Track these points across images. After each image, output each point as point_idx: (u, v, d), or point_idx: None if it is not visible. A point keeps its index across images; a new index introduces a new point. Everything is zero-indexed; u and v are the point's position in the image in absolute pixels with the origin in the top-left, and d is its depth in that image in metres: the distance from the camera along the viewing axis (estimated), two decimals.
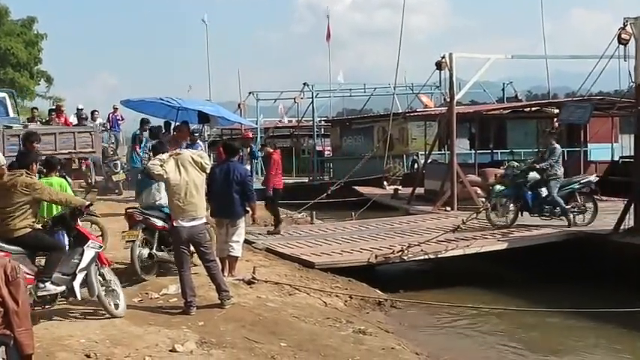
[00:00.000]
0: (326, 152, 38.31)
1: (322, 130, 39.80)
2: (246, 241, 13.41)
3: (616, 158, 24.73)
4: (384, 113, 32.77)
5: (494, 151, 27.36)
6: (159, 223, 11.54)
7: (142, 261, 11.34)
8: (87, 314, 9.26)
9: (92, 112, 27.20)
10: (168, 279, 11.29)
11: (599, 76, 16.81)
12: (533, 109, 27.02)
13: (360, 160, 24.90)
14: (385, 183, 27.24)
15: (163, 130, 24.88)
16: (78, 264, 9.07)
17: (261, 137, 35.91)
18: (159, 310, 9.80)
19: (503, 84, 39.01)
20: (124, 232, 11.52)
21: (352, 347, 9.12)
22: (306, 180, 33.35)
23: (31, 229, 8.95)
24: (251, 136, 27.60)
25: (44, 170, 11.29)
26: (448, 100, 22.37)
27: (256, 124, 35.12)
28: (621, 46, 15.46)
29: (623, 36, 15.33)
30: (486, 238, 15.64)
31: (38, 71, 56.67)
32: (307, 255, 14.43)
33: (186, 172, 9.87)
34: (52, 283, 8.84)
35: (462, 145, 27.76)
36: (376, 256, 14.10)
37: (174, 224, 9.95)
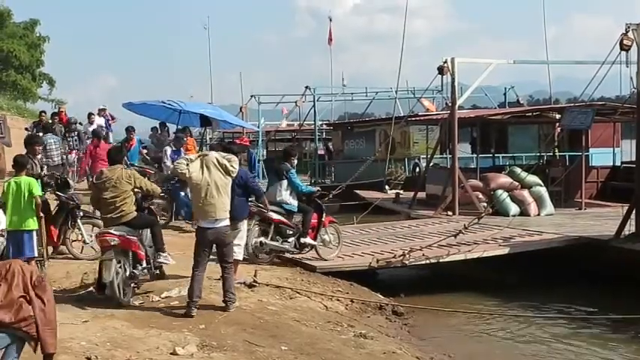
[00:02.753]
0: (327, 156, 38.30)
1: (324, 133, 39.81)
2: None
3: (618, 164, 24.74)
4: (386, 117, 32.78)
5: (496, 155, 27.37)
6: (274, 216, 13.37)
7: (255, 248, 13.37)
8: (88, 317, 9.26)
9: (89, 115, 25.99)
10: (170, 282, 11.29)
11: (601, 82, 16.80)
12: (535, 114, 27.02)
13: (361, 163, 24.87)
14: (387, 187, 27.23)
15: (159, 131, 24.98)
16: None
17: (262, 141, 35.95)
18: (160, 312, 9.79)
19: (505, 88, 39.04)
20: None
21: (353, 351, 9.12)
22: (307, 183, 33.30)
23: (136, 213, 10.81)
24: (248, 142, 26.99)
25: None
26: (450, 104, 22.38)
27: (258, 127, 35.13)
28: (623, 52, 15.48)
29: (625, 42, 15.36)
30: (488, 242, 15.63)
31: (40, 74, 56.73)
32: (309, 258, 14.40)
33: (209, 172, 9.99)
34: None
35: (463, 150, 27.75)
36: (377, 260, 14.08)
37: (199, 225, 10.19)
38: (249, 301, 10.73)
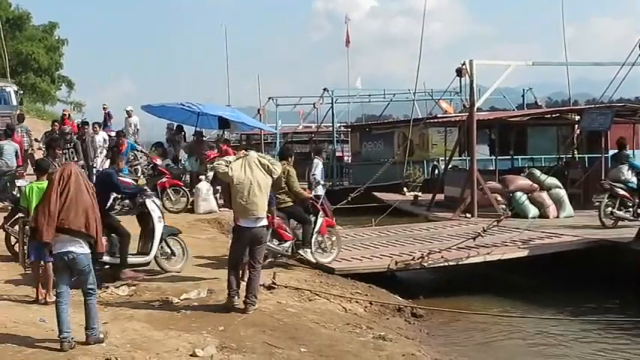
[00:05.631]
0: (345, 158, 38.28)
1: (342, 135, 39.81)
2: None
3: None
4: (404, 119, 32.74)
5: (515, 157, 27.27)
6: (620, 192, 17.56)
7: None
8: (107, 319, 9.30)
9: (93, 125, 24.79)
10: (189, 284, 11.33)
11: (620, 83, 16.72)
12: (554, 115, 26.91)
13: (380, 165, 24.82)
14: (405, 189, 27.17)
15: (174, 129, 25.09)
16: (314, 228, 13.51)
17: (280, 142, 35.98)
18: (179, 314, 9.81)
19: (523, 90, 38.95)
20: None
21: (372, 353, 9.09)
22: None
23: (292, 203, 13.30)
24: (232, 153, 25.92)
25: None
26: (468, 106, 22.32)
27: (275, 129, 35.17)
28: None
29: None
30: (507, 245, 15.56)
31: (59, 76, 57.04)
32: (327, 260, 14.40)
33: (251, 171, 10.16)
34: (307, 243, 13.29)
35: (482, 152, 27.67)
36: (396, 263, 14.06)
37: (238, 224, 10.31)
38: (268, 303, 10.72)
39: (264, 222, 10.38)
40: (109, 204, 11.81)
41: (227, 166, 10.22)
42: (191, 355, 8.03)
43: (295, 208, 13.49)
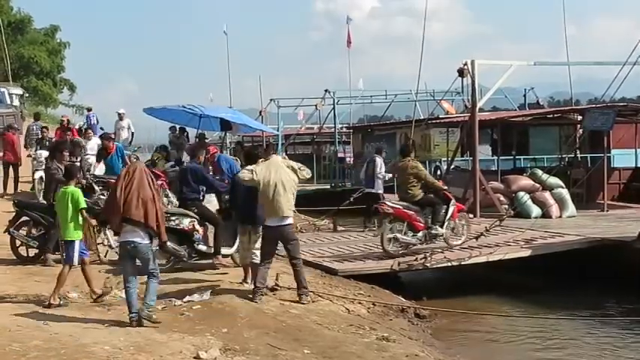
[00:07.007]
0: (347, 159, 38.25)
1: (343, 136, 39.80)
2: None
3: None
4: (406, 120, 32.72)
5: (517, 157, 27.25)
6: None
7: None
8: (111, 321, 9.30)
9: (86, 131, 24.71)
10: (192, 287, 11.33)
11: (622, 83, 16.69)
12: (556, 115, 26.88)
13: None
14: None
15: (176, 131, 25.05)
16: (446, 215, 14.91)
17: (282, 144, 36.00)
18: (183, 317, 9.80)
19: (525, 90, 38.88)
20: None
21: (376, 354, 9.09)
22: (327, 187, 33.28)
23: (423, 195, 14.80)
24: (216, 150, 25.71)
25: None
26: (469, 106, 22.31)
27: (277, 130, 35.17)
28: None
29: None
30: (510, 245, 15.56)
31: (61, 79, 57.12)
32: (330, 262, 14.42)
33: (275, 172, 10.75)
34: (440, 227, 14.79)
35: (484, 152, 27.65)
36: (399, 263, 14.06)
37: (266, 223, 10.90)
38: (272, 305, 10.73)
39: (290, 220, 11.04)
40: (200, 196, 13.21)
41: (251, 173, 10.71)
42: (195, 358, 8.01)
43: (425, 198, 15.02)
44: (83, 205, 10.56)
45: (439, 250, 14.55)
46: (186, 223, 12.74)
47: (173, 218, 12.64)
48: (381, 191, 18.92)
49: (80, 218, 10.45)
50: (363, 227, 19.20)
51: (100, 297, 10.43)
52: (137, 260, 9.30)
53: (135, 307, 9.08)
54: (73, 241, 10.42)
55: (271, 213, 10.75)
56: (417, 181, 14.97)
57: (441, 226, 14.93)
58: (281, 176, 10.71)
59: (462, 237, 15.51)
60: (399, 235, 14.67)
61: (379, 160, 19.04)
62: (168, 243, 11.59)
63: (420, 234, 14.78)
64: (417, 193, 14.91)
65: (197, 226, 12.67)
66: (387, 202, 15.16)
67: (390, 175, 18.81)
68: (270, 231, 10.87)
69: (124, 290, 9.71)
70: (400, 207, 14.82)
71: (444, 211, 14.97)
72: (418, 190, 14.94)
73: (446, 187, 15.77)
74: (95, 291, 10.48)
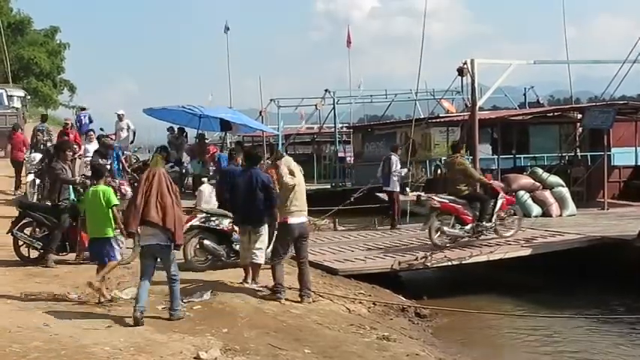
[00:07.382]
0: (347, 158, 38.22)
1: (343, 136, 39.78)
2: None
3: None
4: (406, 119, 32.69)
5: (517, 156, 27.23)
6: None
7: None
8: (111, 322, 9.30)
9: (87, 133, 23.92)
10: (191, 287, 11.32)
11: (622, 81, 16.70)
12: (556, 114, 26.86)
13: None
14: (408, 189, 27.11)
15: (175, 131, 25.03)
16: (494, 209, 15.50)
17: (282, 144, 35.96)
18: (183, 317, 9.80)
19: (525, 89, 38.84)
20: None
21: (376, 354, 9.10)
22: (328, 186, 33.26)
23: (469, 191, 15.51)
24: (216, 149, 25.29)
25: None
26: (470, 105, 22.29)
27: (278, 130, 35.14)
28: None
29: None
30: (510, 244, 15.56)
31: (61, 80, 57.10)
32: (330, 261, 14.41)
33: (299, 173, 11.36)
34: (487, 221, 15.36)
35: (484, 151, 27.62)
36: (399, 263, 14.06)
37: (287, 222, 11.16)
38: (272, 305, 10.73)
39: (306, 219, 11.50)
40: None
41: (291, 178, 11.11)
42: (195, 358, 8.00)
43: (472, 192, 15.66)
44: (115, 202, 10.73)
45: (439, 250, 14.56)
46: (225, 223, 13.01)
47: (213, 219, 13.04)
48: (397, 189, 19.01)
49: (111, 215, 10.58)
50: (387, 226, 19.50)
51: (108, 301, 10.35)
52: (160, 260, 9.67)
53: (142, 302, 9.27)
54: (109, 238, 10.62)
55: (299, 212, 11.18)
56: (463, 177, 15.69)
57: (489, 220, 15.58)
58: (299, 179, 11.28)
59: (513, 229, 16.07)
60: (445, 228, 15.31)
61: (395, 158, 19.14)
62: (208, 242, 12.60)
63: (468, 227, 15.42)
64: (463, 189, 15.62)
65: (236, 227, 12.69)
66: (435, 197, 15.83)
67: (406, 171, 19.23)
68: (294, 229, 11.17)
69: (124, 290, 9.72)
70: (447, 201, 15.54)
71: (491, 204, 15.61)
72: (465, 185, 15.63)
73: (492, 182, 16.42)
74: (105, 295, 10.42)
